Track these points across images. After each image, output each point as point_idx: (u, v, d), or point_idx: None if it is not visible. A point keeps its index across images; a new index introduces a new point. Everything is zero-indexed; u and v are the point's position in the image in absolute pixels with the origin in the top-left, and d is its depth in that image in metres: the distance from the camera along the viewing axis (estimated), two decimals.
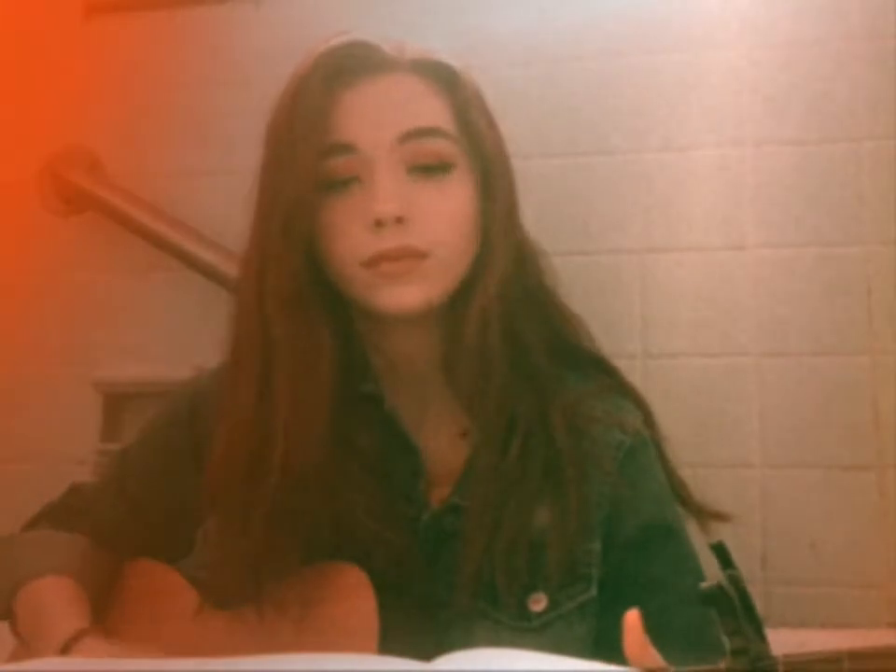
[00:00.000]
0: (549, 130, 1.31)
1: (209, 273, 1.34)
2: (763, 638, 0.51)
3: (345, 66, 0.82)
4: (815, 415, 1.20)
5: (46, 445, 1.43)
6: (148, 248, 1.41)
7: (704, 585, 0.52)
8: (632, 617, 0.57)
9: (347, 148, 0.81)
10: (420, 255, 0.80)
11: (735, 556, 0.57)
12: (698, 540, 0.88)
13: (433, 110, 0.83)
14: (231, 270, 1.30)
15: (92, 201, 1.44)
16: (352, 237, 0.80)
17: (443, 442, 0.87)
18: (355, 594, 0.78)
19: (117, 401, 1.40)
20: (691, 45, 1.29)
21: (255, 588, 0.81)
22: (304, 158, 0.80)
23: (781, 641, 0.56)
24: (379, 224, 0.79)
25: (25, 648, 0.88)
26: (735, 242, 1.25)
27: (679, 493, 0.89)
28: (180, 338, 1.40)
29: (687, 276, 1.25)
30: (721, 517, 0.88)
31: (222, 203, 1.40)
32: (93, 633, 0.83)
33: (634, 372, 0.94)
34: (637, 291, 1.26)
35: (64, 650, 0.81)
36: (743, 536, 0.93)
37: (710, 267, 1.25)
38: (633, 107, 1.29)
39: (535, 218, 0.91)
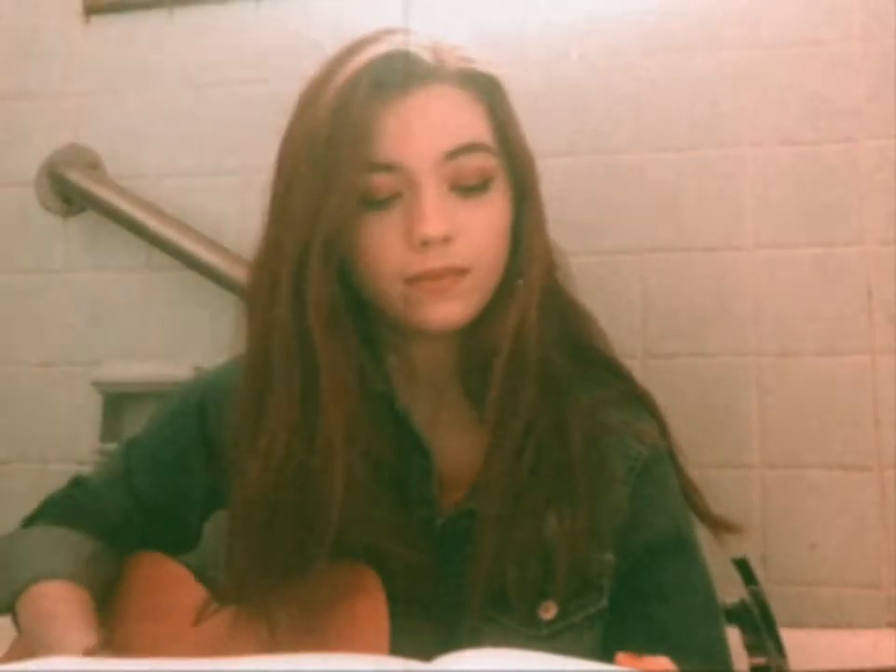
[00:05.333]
0: (549, 130, 1.31)
1: (209, 272, 1.34)
2: (783, 654, 0.51)
3: (387, 80, 0.80)
4: (815, 415, 1.20)
5: (46, 445, 1.43)
6: (148, 248, 1.41)
7: (728, 602, 0.52)
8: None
9: (392, 167, 0.79)
10: (461, 272, 0.80)
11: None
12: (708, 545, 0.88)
13: (476, 125, 0.82)
14: (231, 270, 1.31)
15: (92, 201, 1.44)
16: (395, 255, 0.79)
17: (457, 446, 0.86)
18: (366, 594, 0.78)
19: (117, 401, 1.39)
20: (691, 45, 1.29)
21: (271, 587, 0.80)
22: (348, 177, 0.78)
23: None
24: (425, 244, 0.78)
25: (24, 645, 0.88)
26: (735, 242, 1.25)
27: (693, 503, 0.88)
28: (180, 338, 1.40)
29: (687, 276, 1.25)
30: (733, 529, 0.88)
31: (222, 203, 1.40)
32: (99, 650, 0.82)
33: (633, 372, 0.94)
34: (637, 291, 1.26)
35: None
36: (743, 536, 0.93)
37: (710, 267, 1.25)
38: (633, 107, 1.29)
39: None
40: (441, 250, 0.78)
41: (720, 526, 0.88)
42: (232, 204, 1.35)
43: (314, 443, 0.79)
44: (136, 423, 1.28)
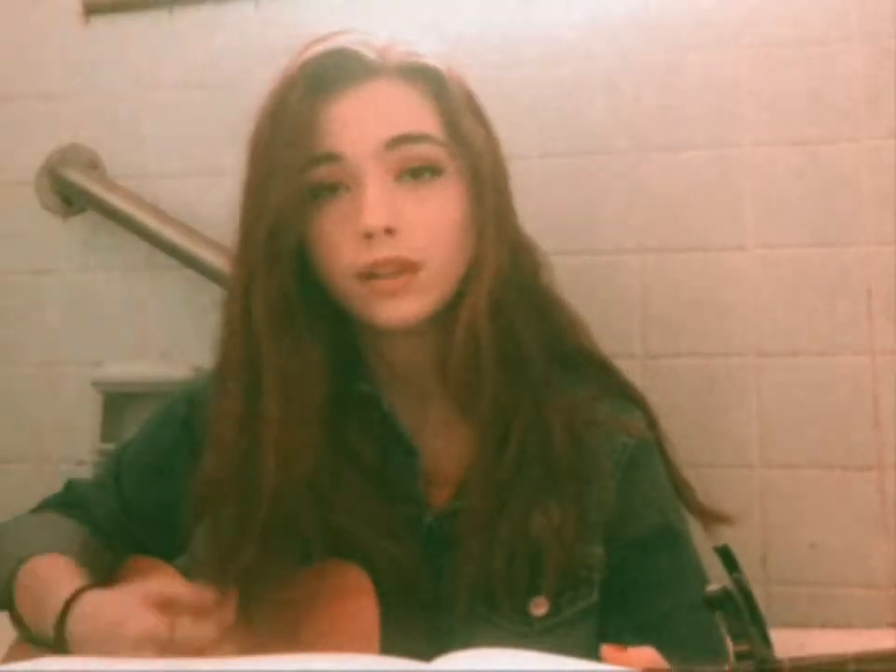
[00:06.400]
0: (549, 130, 1.31)
1: (209, 273, 1.34)
2: (767, 642, 0.51)
3: (328, 76, 0.81)
4: (815, 415, 1.20)
5: (46, 445, 1.43)
6: (148, 248, 1.41)
7: (709, 589, 0.52)
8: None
9: (333, 158, 0.80)
10: (413, 267, 0.79)
11: (736, 554, 0.57)
12: (699, 536, 0.88)
13: (419, 116, 0.82)
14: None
15: (92, 201, 1.44)
16: (343, 248, 0.80)
17: (444, 444, 0.86)
18: (356, 594, 0.78)
19: (117, 401, 1.39)
20: (690, 45, 1.29)
21: (255, 591, 0.80)
22: (289, 169, 0.79)
23: (781, 642, 0.56)
24: (369, 236, 0.78)
25: (23, 637, 0.87)
26: (736, 242, 1.25)
27: (683, 495, 0.88)
28: (180, 338, 1.40)
29: (687, 276, 1.25)
30: (723, 520, 0.88)
31: (222, 203, 1.39)
32: (92, 588, 0.82)
33: (634, 372, 0.94)
34: (637, 291, 1.26)
35: (65, 610, 0.79)
36: (743, 536, 0.93)
37: (710, 267, 1.25)
38: (633, 107, 1.29)
39: (535, 219, 0.92)
40: (386, 241, 0.78)
41: (711, 518, 0.88)
42: (232, 204, 1.35)
43: (256, 439, 0.80)
44: (136, 423, 1.28)
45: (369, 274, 0.79)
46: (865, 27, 1.24)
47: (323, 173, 0.80)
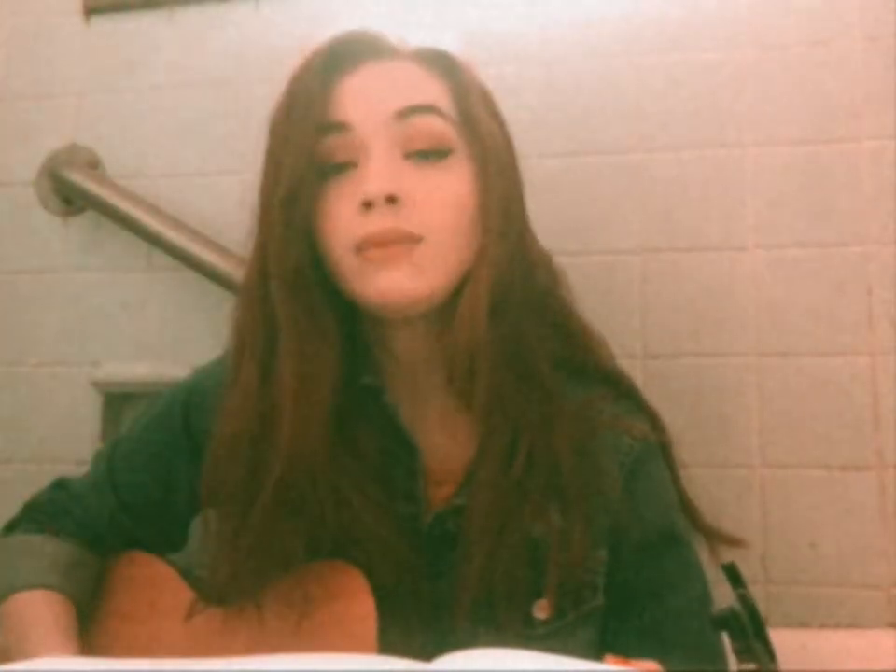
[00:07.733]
0: (549, 130, 1.31)
1: (209, 273, 1.34)
2: (772, 658, 0.51)
3: (345, 53, 0.82)
4: (815, 415, 1.20)
5: (46, 445, 1.43)
6: (148, 248, 1.41)
7: (716, 609, 0.52)
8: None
9: (342, 127, 0.80)
10: (412, 239, 0.78)
11: (735, 556, 0.57)
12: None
13: (431, 91, 0.82)
14: (231, 270, 1.31)
15: (92, 201, 1.44)
16: (342, 220, 0.79)
17: (446, 441, 0.86)
18: (353, 594, 0.78)
19: (117, 401, 1.39)
20: (690, 45, 1.29)
21: (255, 583, 0.80)
22: (301, 138, 0.79)
23: (781, 641, 0.56)
24: (368, 205, 0.77)
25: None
26: (736, 242, 1.25)
27: (690, 514, 0.88)
28: (180, 338, 1.40)
29: (687, 276, 1.25)
30: (731, 542, 0.88)
31: (222, 203, 1.40)
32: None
33: (634, 372, 0.94)
34: (637, 291, 1.26)
35: None
36: (743, 536, 0.94)
37: (710, 267, 1.25)
38: (633, 107, 1.29)
39: (535, 219, 0.92)
40: (385, 212, 0.77)
41: (718, 539, 0.88)
42: (232, 204, 1.35)
43: (269, 408, 0.80)
44: None
45: (364, 246, 0.79)
46: (865, 27, 1.24)
47: (332, 143, 0.80)
